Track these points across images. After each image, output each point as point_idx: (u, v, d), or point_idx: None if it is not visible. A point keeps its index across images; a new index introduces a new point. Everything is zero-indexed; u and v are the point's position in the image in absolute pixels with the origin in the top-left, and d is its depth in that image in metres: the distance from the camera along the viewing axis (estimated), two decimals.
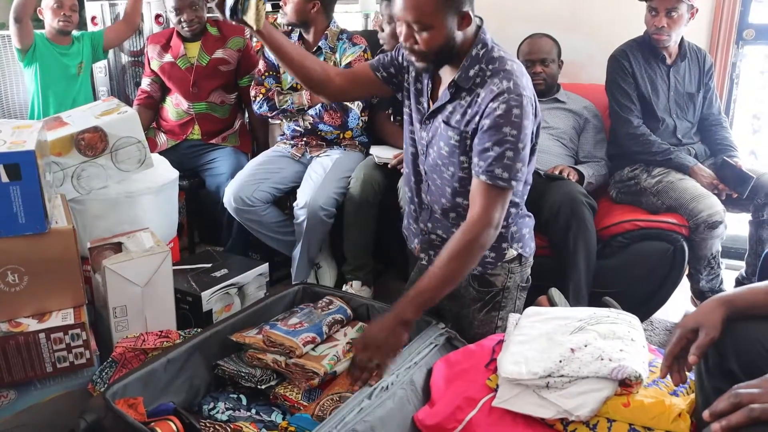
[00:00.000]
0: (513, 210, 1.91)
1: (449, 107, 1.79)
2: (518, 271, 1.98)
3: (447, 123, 1.80)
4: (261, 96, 2.83)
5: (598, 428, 1.44)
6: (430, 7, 1.65)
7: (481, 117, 1.70)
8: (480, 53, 1.73)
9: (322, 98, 2.12)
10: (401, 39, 1.76)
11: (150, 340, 1.83)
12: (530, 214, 2.04)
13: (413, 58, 1.77)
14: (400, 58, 1.93)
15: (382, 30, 2.74)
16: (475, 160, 1.73)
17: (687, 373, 1.36)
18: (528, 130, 1.69)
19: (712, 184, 2.54)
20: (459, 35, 1.71)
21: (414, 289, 1.70)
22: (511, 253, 1.95)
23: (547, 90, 2.91)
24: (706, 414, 1.10)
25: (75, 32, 3.31)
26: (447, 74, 1.81)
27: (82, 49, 3.31)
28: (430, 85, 1.88)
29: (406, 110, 1.98)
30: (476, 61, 1.73)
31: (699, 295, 2.67)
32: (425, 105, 1.90)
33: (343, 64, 2.75)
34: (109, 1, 3.67)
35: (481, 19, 1.79)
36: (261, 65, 2.88)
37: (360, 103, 2.76)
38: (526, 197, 1.99)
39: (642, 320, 2.54)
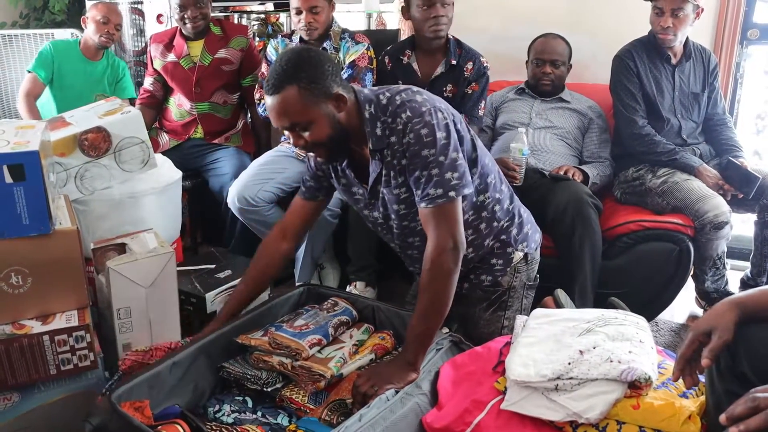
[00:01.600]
0: (506, 211, 1.92)
1: (383, 172, 1.77)
2: (524, 269, 1.98)
3: (389, 185, 1.79)
4: None
5: (607, 431, 1.43)
6: (298, 107, 1.64)
7: (405, 157, 1.70)
8: (373, 111, 1.73)
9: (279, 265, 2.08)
10: (292, 143, 1.79)
11: (158, 356, 1.82)
12: (526, 208, 2.05)
13: (315, 155, 1.80)
14: (313, 164, 1.93)
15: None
16: (416, 194, 1.72)
17: (699, 377, 1.35)
18: (444, 139, 1.67)
19: (717, 184, 2.53)
20: (342, 115, 1.70)
21: (408, 331, 1.69)
22: (518, 255, 1.95)
23: (552, 91, 2.91)
24: (723, 418, 1.09)
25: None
26: (362, 150, 1.80)
27: (106, 72, 3.33)
28: (352, 174, 1.87)
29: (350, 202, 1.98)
30: (375, 119, 1.72)
31: (704, 295, 2.67)
32: (360, 192, 1.89)
33: (347, 62, 2.74)
34: (110, 0, 3.65)
35: (351, 87, 1.77)
36: (264, 68, 2.88)
37: None
38: (511, 192, 1.98)
39: (647, 321, 2.55)
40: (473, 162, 1.80)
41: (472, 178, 1.77)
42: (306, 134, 1.69)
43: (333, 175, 1.92)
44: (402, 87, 1.76)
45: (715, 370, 1.35)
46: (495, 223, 1.91)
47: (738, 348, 1.30)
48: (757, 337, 1.29)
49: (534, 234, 2.04)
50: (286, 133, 1.74)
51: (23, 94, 3.23)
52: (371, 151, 1.75)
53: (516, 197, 2.01)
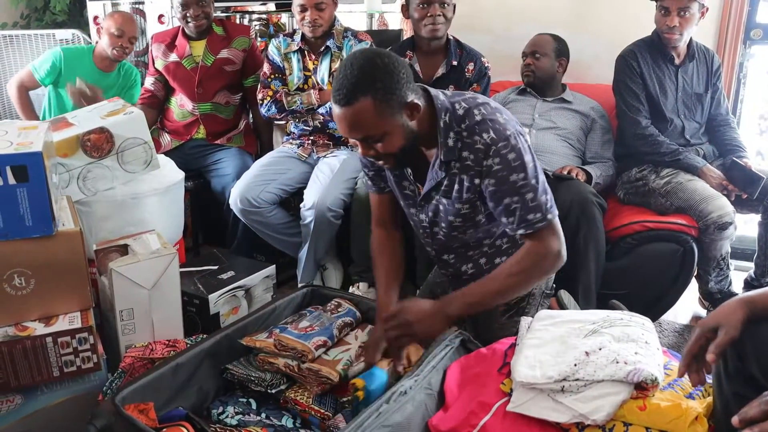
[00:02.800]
0: None
1: (445, 182, 1.72)
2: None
3: (448, 197, 1.74)
4: (268, 99, 2.82)
5: None
6: (372, 120, 1.56)
7: (482, 179, 1.65)
8: (448, 120, 1.65)
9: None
10: (360, 154, 1.73)
11: (158, 350, 1.82)
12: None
13: (383, 164, 1.74)
14: (366, 163, 1.89)
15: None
16: (503, 221, 1.68)
17: (706, 376, 1.35)
18: (530, 162, 1.63)
19: (721, 185, 2.53)
20: (414, 123, 1.63)
21: (466, 288, 1.67)
22: None
23: (537, 83, 2.92)
24: (735, 420, 1.08)
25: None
26: (428, 154, 1.75)
27: (119, 82, 3.31)
28: (410, 171, 1.81)
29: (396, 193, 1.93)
30: (449, 129, 1.65)
31: (708, 296, 2.66)
32: (412, 189, 1.84)
33: None
34: (111, 1, 3.65)
35: (425, 89, 1.69)
36: (266, 68, 2.87)
37: None
38: None
39: (651, 322, 2.55)
40: None
41: None
42: (378, 145, 1.62)
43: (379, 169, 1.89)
44: (479, 99, 1.69)
45: (723, 372, 1.35)
46: None
47: (746, 349, 1.29)
48: (765, 338, 1.28)
49: None
50: (356, 142, 1.67)
51: (16, 83, 3.22)
52: (441, 162, 1.69)
53: None
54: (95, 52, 3.24)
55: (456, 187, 1.71)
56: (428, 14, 2.65)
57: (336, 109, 1.58)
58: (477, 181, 1.66)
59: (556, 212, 1.69)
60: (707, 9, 2.61)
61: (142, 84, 3.32)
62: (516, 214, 1.64)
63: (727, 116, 2.82)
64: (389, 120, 1.57)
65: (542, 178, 1.66)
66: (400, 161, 1.71)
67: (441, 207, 1.79)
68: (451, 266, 1.95)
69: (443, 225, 1.83)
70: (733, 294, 2.61)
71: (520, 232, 1.66)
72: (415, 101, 1.60)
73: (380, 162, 1.71)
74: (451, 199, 1.74)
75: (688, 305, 2.75)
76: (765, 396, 1.08)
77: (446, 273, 2.01)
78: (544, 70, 2.90)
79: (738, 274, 2.80)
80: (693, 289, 2.68)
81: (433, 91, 1.69)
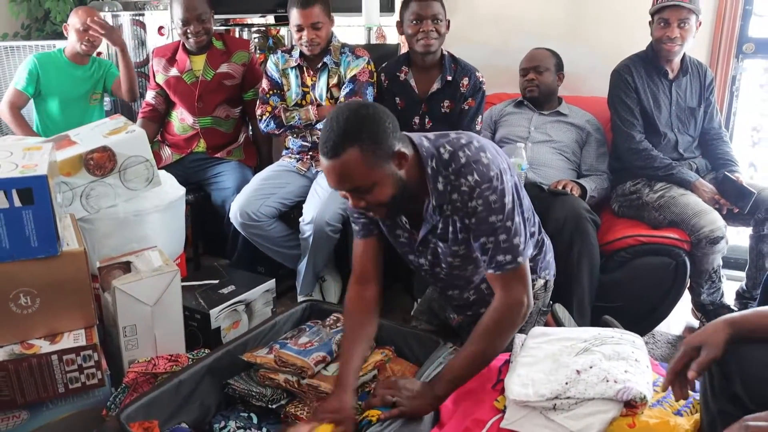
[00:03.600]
0: (535, 241, 1.94)
1: (440, 225, 1.75)
2: (542, 296, 2.02)
3: (445, 240, 1.77)
4: (267, 114, 2.85)
5: None
6: (360, 170, 1.56)
7: (469, 219, 1.68)
8: (435, 166, 1.67)
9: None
10: (350, 205, 1.71)
11: (161, 365, 1.86)
12: (547, 237, 2.07)
13: (374, 215, 1.75)
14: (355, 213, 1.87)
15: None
16: (480, 257, 1.72)
17: (690, 391, 1.39)
18: (510, 204, 1.65)
19: (713, 198, 2.57)
20: (403, 172, 1.64)
21: (446, 366, 1.68)
22: (540, 282, 1.99)
23: (541, 98, 2.94)
24: None
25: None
26: (417, 199, 1.74)
27: (94, 72, 3.37)
28: (404, 220, 1.83)
29: (395, 244, 1.92)
30: (437, 174, 1.67)
31: (700, 307, 2.70)
32: (406, 237, 1.86)
33: (348, 77, 2.77)
34: (111, 13, 3.68)
35: (408, 138, 1.70)
36: (265, 84, 2.90)
37: None
38: (539, 225, 2.00)
39: (644, 334, 2.59)
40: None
41: None
42: (368, 196, 1.62)
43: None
44: (462, 139, 1.70)
45: (709, 390, 1.39)
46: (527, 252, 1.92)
47: (731, 368, 1.33)
48: (749, 358, 1.32)
49: (552, 261, 2.07)
50: (340, 193, 1.67)
51: (7, 106, 3.26)
52: (433, 208, 1.71)
53: (541, 227, 2.03)
54: (66, 51, 3.30)
55: (450, 228, 1.73)
56: (421, 30, 2.68)
57: (324, 162, 1.58)
58: (466, 221, 1.68)
59: (528, 253, 1.73)
60: (700, 23, 2.65)
61: (142, 95, 3.36)
62: (489, 253, 1.67)
63: (720, 130, 2.85)
64: (377, 170, 1.58)
65: (518, 219, 1.68)
66: (391, 211, 1.73)
67: (439, 250, 1.81)
68: (456, 299, 1.98)
69: (444, 266, 1.85)
70: (725, 305, 2.65)
71: (490, 271, 1.69)
72: (403, 150, 1.61)
73: (371, 213, 1.73)
74: (447, 242, 1.77)
75: (681, 316, 2.78)
76: (744, 421, 1.12)
77: (451, 304, 2.04)
78: (546, 85, 2.94)
79: (731, 285, 2.84)
80: (686, 300, 2.71)
81: (416, 138, 1.70)
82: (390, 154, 1.59)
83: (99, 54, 3.46)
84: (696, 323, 2.77)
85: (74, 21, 3.21)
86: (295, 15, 2.71)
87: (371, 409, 1.60)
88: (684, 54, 2.74)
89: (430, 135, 1.74)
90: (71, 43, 3.26)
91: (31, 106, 3.36)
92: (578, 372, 1.54)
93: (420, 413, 1.60)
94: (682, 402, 1.52)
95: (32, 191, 1.67)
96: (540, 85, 2.92)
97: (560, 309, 2.21)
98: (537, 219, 1.99)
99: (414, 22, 2.70)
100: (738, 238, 2.94)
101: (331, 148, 1.54)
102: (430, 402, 1.62)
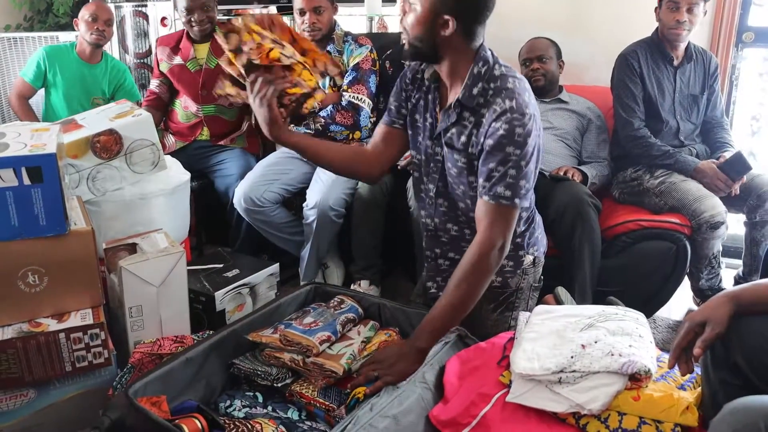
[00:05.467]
0: (526, 218, 1.95)
1: (453, 129, 1.79)
2: (532, 272, 2.03)
3: (451, 146, 1.81)
4: None
5: (609, 421, 1.47)
6: None
7: (485, 137, 1.71)
8: (482, 71, 1.73)
9: (369, 179, 2.13)
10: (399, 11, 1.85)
11: (166, 346, 1.87)
12: (538, 214, 2.08)
13: (403, 39, 1.82)
14: (402, 84, 1.95)
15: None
16: (480, 181, 1.74)
17: (694, 366, 1.41)
18: (531, 148, 1.69)
19: (715, 177, 2.57)
20: (440, 39, 1.71)
21: (426, 317, 1.71)
22: (528, 259, 2.00)
23: (547, 87, 2.96)
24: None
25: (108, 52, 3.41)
26: (451, 95, 1.82)
27: (104, 74, 3.37)
28: (437, 102, 1.88)
29: (413, 128, 1.96)
30: (478, 79, 1.73)
31: (699, 293, 2.72)
32: (430, 122, 1.89)
33: (351, 65, 2.79)
34: (114, 4, 3.70)
35: (484, 41, 1.78)
36: None
37: (370, 102, 2.81)
38: (534, 199, 2.02)
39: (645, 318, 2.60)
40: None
41: None
42: (408, 10, 1.74)
43: (414, 90, 1.92)
44: (518, 74, 1.77)
45: (710, 361, 1.41)
46: (516, 228, 1.93)
47: (732, 339, 1.36)
48: (749, 328, 1.35)
49: (543, 239, 2.08)
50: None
51: (15, 95, 3.31)
52: (456, 103, 1.76)
53: (537, 209, 2.05)
54: (77, 47, 3.31)
55: (462, 139, 1.77)
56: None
57: None
58: (482, 139, 1.71)
59: (526, 204, 1.75)
60: (705, 12, 2.67)
61: (145, 85, 3.37)
62: (491, 180, 1.70)
63: (722, 118, 2.87)
64: (428, 5, 1.68)
65: (532, 167, 1.71)
66: (412, 49, 1.78)
67: (444, 151, 1.85)
68: (448, 245, 1.99)
69: (445, 173, 1.87)
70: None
71: (485, 198, 1.71)
72: (450, 23, 1.68)
73: (403, 37, 1.81)
74: (452, 147, 1.81)
75: (681, 302, 2.80)
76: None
77: (431, 256, 2.04)
78: (552, 73, 2.96)
79: (730, 272, 2.86)
80: (687, 286, 2.73)
81: (485, 44, 1.77)
82: (440, 11, 1.68)
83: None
84: (696, 309, 2.78)
85: (83, 13, 3.23)
86: None
87: (357, 387, 1.62)
88: (689, 41, 2.75)
89: (498, 57, 1.79)
90: (81, 36, 3.27)
91: (41, 95, 3.37)
92: (583, 346, 1.56)
93: (407, 374, 1.63)
94: (686, 376, 1.54)
95: (41, 170, 1.67)
96: (546, 73, 2.94)
97: (563, 292, 2.22)
98: (533, 197, 2.00)
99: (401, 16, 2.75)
100: (737, 226, 2.95)
101: None
102: (413, 358, 1.65)
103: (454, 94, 1.79)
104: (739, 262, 2.82)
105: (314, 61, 1.88)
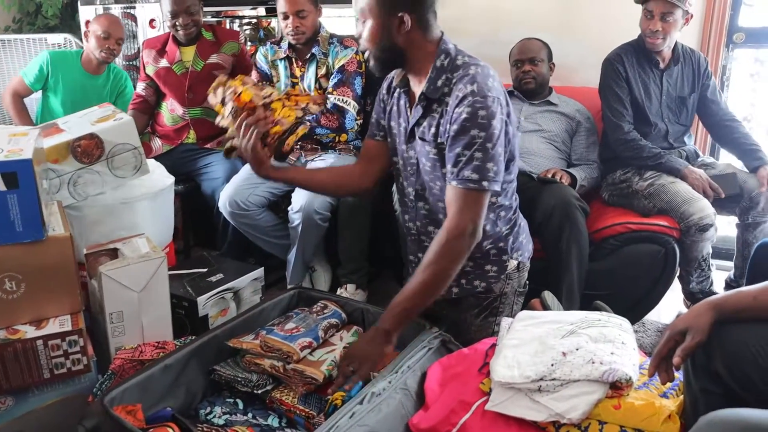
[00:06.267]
0: (508, 219, 1.95)
1: (423, 122, 1.82)
2: (516, 277, 2.01)
3: (423, 139, 1.82)
4: None
5: (589, 430, 1.46)
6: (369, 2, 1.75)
7: (450, 124, 1.72)
8: (444, 63, 1.77)
9: (364, 193, 2.21)
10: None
11: (147, 352, 1.85)
12: (523, 218, 2.07)
13: (366, 56, 1.85)
14: (380, 96, 2.01)
15: None
16: (447, 167, 1.75)
17: (676, 374, 1.39)
18: (496, 130, 1.69)
19: (704, 184, 2.55)
20: (400, 38, 1.76)
21: (393, 301, 1.72)
22: (512, 263, 1.99)
23: (537, 89, 2.95)
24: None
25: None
26: (417, 89, 1.84)
27: (107, 85, 3.34)
28: (405, 103, 1.90)
29: (391, 135, 1.99)
30: (441, 71, 1.76)
31: (690, 296, 2.71)
32: (404, 126, 1.92)
33: (337, 67, 2.78)
34: (103, 6, 3.68)
35: (441, 31, 1.83)
36: (254, 75, 2.91)
37: (356, 105, 2.79)
38: (518, 203, 2.01)
39: (634, 322, 2.59)
40: (506, 165, 1.83)
41: None
42: (362, 27, 1.79)
43: (389, 98, 1.97)
44: (482, 62, 1.79)
45: (691, 369, 1.40)
46: (497, 228, 1.93)
47: (713, 347, 1.34)
48: (731, 336, 1.34)
49: (528, 244, 2.07)
50: None
51: (9, 92, 3.28)
52: (421, 96, 1.79)
53: (518, 208, 2.04)
54: (83, 56, 3.28)
55: (433, 130, 1.79)
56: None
57: None
58: (447, 126, 1.73)
59: (495, 188, 1.73)
60: (691, 16, 2.64)
61: (135, 87, 3.35)
62: (458, 165, 1.70)
63: (728, 111, 2.81)
64: (378, 12, 1.74)
65: (500, 150, 1.71)
66: (376, 60, 1.82)
67: (418, 147, 1.87)
68: (415, 238, 2.01)
69: (420, 169, 1.88)
70: (714, 294, 2.64)
71: (453, 183, 1.71)
72: (405, 19, 1.74)
73: (366, 53, 1.84)
74: (424, 140, 1.82)
75: (671, 305, 2.79)
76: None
77: (413, 260, 2.04)
78: (542, 76, 2.94)
79: (721, 274, 2.85)
80: (677, 289, 2.72)
81: (447, 38, 1.83)
82: (392, 12, 1.73)
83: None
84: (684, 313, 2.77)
85: (95, 27, 3.19)
86: (281, 2, 2.73)
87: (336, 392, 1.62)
88: (676, 43, 2.73)
89: (460, 47, 1.84)
90: (89, 49, 3.25)
91: (38, 95, 3.35)
92: (564, 354, 1.54)
93: (379, 357, 1.66)
94: (668, 384, 1.52)
95: (17, 175, 1.65)
96: (537, 76, 2.92)
97: (549, 296, 2.21)
98: (517, 201, 2.01)
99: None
100: (728, 228, 2.94)
101: None
102: (380, 340, 1.68)
103: (419, 90, 1.82)
104: (731, 264, 2.81)
105: (296, 102, 1.95)
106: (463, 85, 1.70)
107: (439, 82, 1.76)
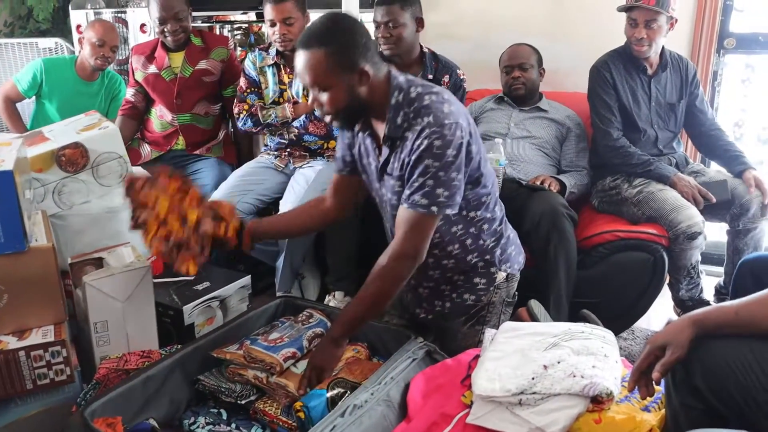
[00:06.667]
0: (493, 231, 1.95)
1: (391, 160, 1.81)
2: (504, 287, 2.01)
3: (390, 174, 1.83)
4: (245, 112, 2.85)
5: None
6: (321, 70, 1.69)
7: (408, 156, 1.73)
8: (399, 99, 1.75)
9: (340, 221, 2.18)
10: (309, 102, 1.85)
11: (132, 361, 1.85)
12: (512, 229, 2.07)
13: (328, 120, 1.82)
14: (343, 133, 1.99)
15: None
16: (404, 192, 1.76)
17: (657, 387, 1.39)
18: (451, 157, 1.69)
19: (693, 191, 2.55)
20: (364, 90, 1.74)
21: (342, 310, 1.80)
22: (501, 275, 1.99)
23: (527, 95, 2.95)
24: None
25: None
26: (380, 130, 1.83)
27: (101, 90, 3.36)
28: (370, 143, 1.90)
29: (366, 173, 1.98)
30: (399, 107, 1.75)
31: (680, 303, 2.70)
32: (374, 163, 1.91)
33: None
34: (94, 10, 3.67)
35: (388, 68, 1.80)
36: (242, 82, 2.90)
37: None
38: (503, 213, 2.00)
39: (623, 329, 2.59)
40: (475, 181, 1.83)
41: (469, 194, 1.82)
42: (323, 96, 1.74)
43: (354, 140, 1.96)
44: (435, 88, 1.78)
45: (672, 384, 1.40)
46: (480, 242, 1.93)
47: (693, 362, 1.34)
48: (711, 352, 1.33)
49: (518, 255, 2.07)
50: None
51: (1, 97, 3.30)
52: (384, 137, 1.79)
53: (506, 220, 2.04)
54: (77, 63, 3.27)
55: (396, 165, 1.79)
56: (380, 35, 2.74)
57: (297, 53, 1.72)
58: (407, 159, 1.74)
59: (447, 211, 1.74)
60: (676, 20, 2.64)
61: None
62: (411, 189, 1.72)
63: (714, 121, 2.82)
64: (335, 77, 1.70)
65: (454, 175, 1.71)
66: (343, 120, 1.82)
67: (388, 183, 1.87)
68: (419, 285, 2.02)
69: (393, 204, 1.88)
70: (704, 301, 2.65)
71: (404, 206, 1.74)
72: (367, 70, 1.71)
73: (326, 117, 1.81)
74: (391, 175, 1.83)
75: (661, 313, 2.78)
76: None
77: (416, 293, 2.06)
78: (532, 81, 2.94)
79: (711, 280, 2.84)
80: (667, 296, 2.71)
81: (395, 71, 1.80)
82: (353, 68, 1.70)
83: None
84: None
85: (90, 35, 3.19)
86: (268, 10, 2.72)
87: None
88: (663, 49, 2.73)
89: (410, 77, 1.82)
90: (84, 56, 3.25)
91: (32, 101, 3.36)
92: (545, 367, 1.54)
93: (326, 363, 1.75)
94: (649, 398, 1.52)
95: None
96: (526, 82, 2.92)
97: (536, 305, 2.21)
98: (502, 209, 2.01)
99: (375, 26, 2.75)
100: (719, 234, 2.93)
101: (304, 40, 1.71)
102: (329, 348, 1.78)
103: (382, 130, 1.81)
104: (722, 269, 2.80)
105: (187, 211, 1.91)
106: (420, 118, 1.70)
107: (399, 120, 1.75)
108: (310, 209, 2.10)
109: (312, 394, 1.66)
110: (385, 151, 1.81)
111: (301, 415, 1.60)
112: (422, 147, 1.68)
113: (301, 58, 1.71)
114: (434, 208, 1.70)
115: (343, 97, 1.73)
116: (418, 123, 1.70)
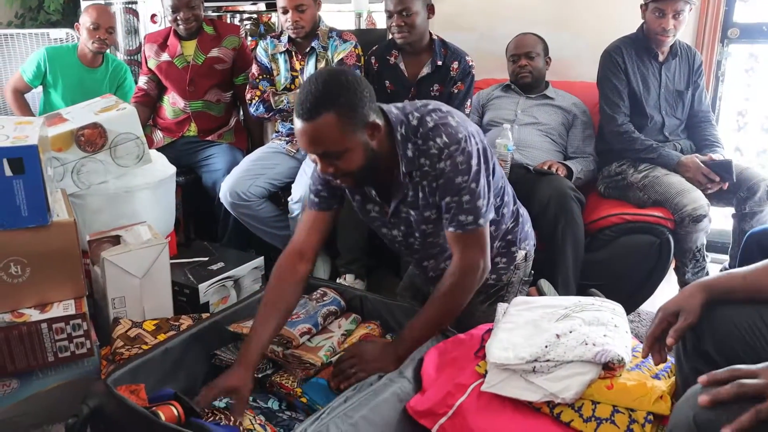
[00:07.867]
0: (511, 213, 1.97)
1: (410, 193, 1.76)
2: (523, 266, 2.05)
3: (416, 207, 1.78)
4: (257, 98, 2.89)
5: (582, 410, 1.49)
6: (334, 136, 1.56)
7: (437, 181, 1.69)
8: (404, 132, 1.68)
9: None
10: (319, 170, 1.69)
11: None
12: (523, 207, 2.10)
13: (341, 183, 1.73)
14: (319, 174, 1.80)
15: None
16: (443, 217, 1.74)
17: (668, 356, 1.42)
18: (476, 166, 1.67)
19: (700, 173, 2.58)
20: (375, 143, 1.64)
21: (408, 325, 1.73)
22: (521, 254, 2.02)
23: (534, 83, 2.98)
24: (703, 379, 1.14)
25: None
26: (388, 170, 1.74)
27: (105, 77, 3.37)
28: (374, 192, 1.83)
29: (367, 218, 1.92)
30: (407, 140, 1.69)
31: (685, 286, 2.72)
32: (377, 210, 1.87)
33: (336, 60, 2.81)
34: (105, 0, 3.70)
35: (379, 107, 1.69)
36: (254, 69, 2.94)
37: None
38: (513, 193, 2.03)
39: (629, 312, 2.61)
40: (492, 172, 1.81)
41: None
42: (338, 162, 1.61)
43: (347, 190, 1.85)
44: (429, 105, 1.72)
45: (682, 350, 1.43)
46: (503, 226, 1.95)
47: (703, 328, 1.37)
48: (720, 317, 1.36)
49: (531, 231, 2.10)
50: (311, 156, 1.65)
51: (10, 88, 3.33)
52: (402, 175, 1.72)
53: (517, 198, 2.06)
54: (78, 50, 3.31)
55: (420, 195, 1.75)
56: (393, 24, 2.76)
57: (298, 124, 1.57)
58: (434, 184, 1.70)
59: (491, 216, 1.75)
60: (692, 8, 2.67)
61: (135, 81, 3.38)
62: (451, 212, 1.70)
63: (708, 113, 2.87)
64: (351, 137, 1.58)
65: (483, 182, 1.70)
66: (359, 180, 1.73)
67: (411, 219, 1.82)
68: (432, 270, 1.99)
69: (417, 235, 1.86)
70: None
71: (450, 230, 1.71)
72: (377, 121, 1.63)
73: (338, 181, 1.71)
74: (418, 208, 1.77)
75: (667, 295, 2.79)
76: (734, 372, 1.13)
77: (428, 276, 2.02)
78: (539, 70, 2.97)
79: (716, 267, 2.86)
80: (673, 280, 2.73)
81: (384, 106, 1.71)
82: (364, 123, 1.60)
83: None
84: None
85: (85, 19, 3.21)
86: None
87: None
88: None
89: (398, 104, 1.74)
90: (82, 41, 3.27)
91: (39, 90, 3.38)
92: (558, 336, 1.57)
93: (375, 370, 1.65)
94: (660, 366, 1.55)
95: (23, 161, 1.68)
96: (533, 70, 2.95)
97: (545, 284, 2.25)
98: (511, 190, 2.02)
99: (388, 15, 2.78)
100: (724, 221, 2.97)
101: (308, 110, 1.54)
102: (392, 362, 1.67)
103: (392, 174, 1.75)
104: (727, 257, 2.83)
105: None
106: (433, 141, 1.65)
107: (410, 152, 1.69)
108: (286, 287, 1.78)
109: (312, 383, 1.71)
110: (404, 186, 1.75)
111: (304, 400, 1.64)
112: (448, 168, 1.65)
113: (308, 131, 1.56)
114: (481, 221, 1.70)
115: (360, 158, 1.62)
116: (431, 147, 1.66)
